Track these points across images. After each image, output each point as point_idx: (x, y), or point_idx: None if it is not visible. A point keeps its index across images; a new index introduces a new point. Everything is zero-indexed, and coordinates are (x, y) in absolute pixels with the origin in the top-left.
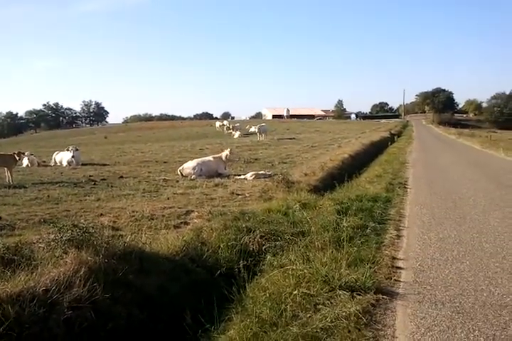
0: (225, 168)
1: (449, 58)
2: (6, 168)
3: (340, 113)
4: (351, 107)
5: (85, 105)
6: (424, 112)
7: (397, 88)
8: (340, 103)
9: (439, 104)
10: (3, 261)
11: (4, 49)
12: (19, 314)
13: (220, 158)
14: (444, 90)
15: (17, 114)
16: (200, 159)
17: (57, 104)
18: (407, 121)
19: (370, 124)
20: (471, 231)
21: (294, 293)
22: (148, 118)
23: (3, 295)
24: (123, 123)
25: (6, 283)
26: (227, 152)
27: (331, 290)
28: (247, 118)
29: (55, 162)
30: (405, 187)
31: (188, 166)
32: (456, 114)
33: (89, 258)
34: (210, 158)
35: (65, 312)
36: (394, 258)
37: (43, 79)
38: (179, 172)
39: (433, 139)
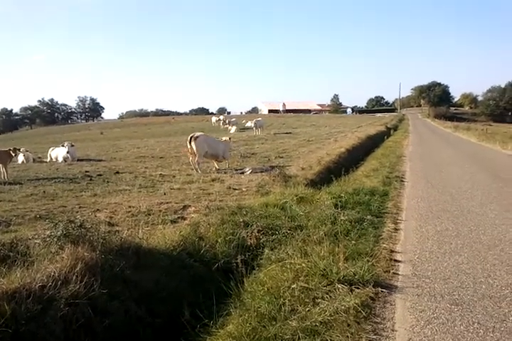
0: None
1: (445, 52)
2: (1, 165)
3: (336, 107)
4: (347, 101)
5: (80, 101)
6: (420, 106)
7: (393, 82)
8: (336, 97)
9: (435, 97)
10: None
11: None
12: (15, 310)
13: (227, 141)
14: (439, 84)
15: (12, 110)
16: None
17: (52, 100)
18: (403, 114)
19: (366, 118)
20: (469, 223)
21: (293, 286)
22: (143, 113)
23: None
24: (118, 119)
25: (1, 279)
26: (226, 138)
27: (330, 283)
28: (243, 113)
29: (51, 158)
30: (402, 181)
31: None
32: (451, 108)
33: (85, 253)
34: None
35: (62, 308)
36: (392, 251)
37: (37, 74)
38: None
39: (429, 133)
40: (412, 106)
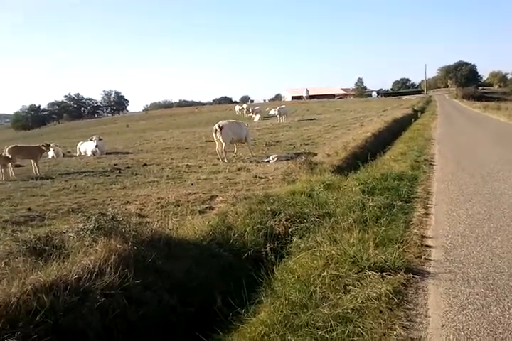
0: None
1: (471, 30)
2: (32, 160)
3: (360, 91)
4: (372, 85)
5: (106, 95)
6: (447, 87)
7: (419, 63)
8: (360, 81)
9: (462, 77)
10: (35, 252)
11: (24, 41)
12: (54, 302)
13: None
14: (466, 63)
15: (40, 106)
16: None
17: (78, 95)
18: (430, 96)
19: (391, 101)
20: (502, 206)
21: (323, 274)
22: (167, 105)
23: (38, 284)
24: (143, 111)
25: (39, 272)
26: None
27: (360, 270)
28: (267, 101)
29: (80, 152)
30: (431, 164)
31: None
32: (480, 87)
33: (118, 245)
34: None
35: (98, 299)
36: (423, 236)
37: (63, 70)
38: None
39: (457, 114)
40: (439, 88)
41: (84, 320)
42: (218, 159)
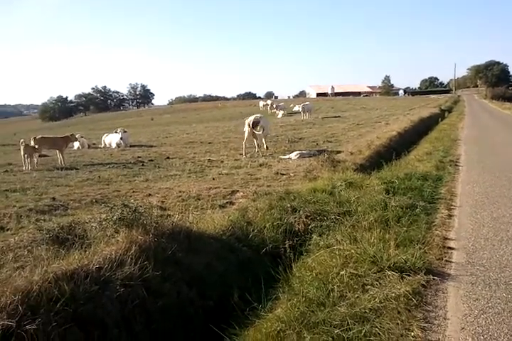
0: None
1: (504, 28)
2: (57, 151)
3: (387, 89)
4: (399, 83)
5: (132, 88)
6: (477, 86)
7: (448, 62)
8: (387, 79)
9: (493, 77)
10: (58, 240)
11: (53, 35)
12: (74, 291)
13: None
14: (498, 63)
15: (67, 97)
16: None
17: (105, 87)
18: (458, 96)
19: (419, 100)
20: None
21: (342, 273)
22: (192, 99)
23: (59, 272)
24: (168, 104)
25: (61, 261)
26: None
27: (380, 270)
28: (291, 97)
29: (105, 144)
30: (457, 165)
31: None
32: (511, 88)
33: (139, 237)
34: None
35: (118, 289)
36: (445, 238)
37: (89, 62)
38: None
39: (486, 115)
40: (468, 87)
41: (103, 310)
42: (240, 154)
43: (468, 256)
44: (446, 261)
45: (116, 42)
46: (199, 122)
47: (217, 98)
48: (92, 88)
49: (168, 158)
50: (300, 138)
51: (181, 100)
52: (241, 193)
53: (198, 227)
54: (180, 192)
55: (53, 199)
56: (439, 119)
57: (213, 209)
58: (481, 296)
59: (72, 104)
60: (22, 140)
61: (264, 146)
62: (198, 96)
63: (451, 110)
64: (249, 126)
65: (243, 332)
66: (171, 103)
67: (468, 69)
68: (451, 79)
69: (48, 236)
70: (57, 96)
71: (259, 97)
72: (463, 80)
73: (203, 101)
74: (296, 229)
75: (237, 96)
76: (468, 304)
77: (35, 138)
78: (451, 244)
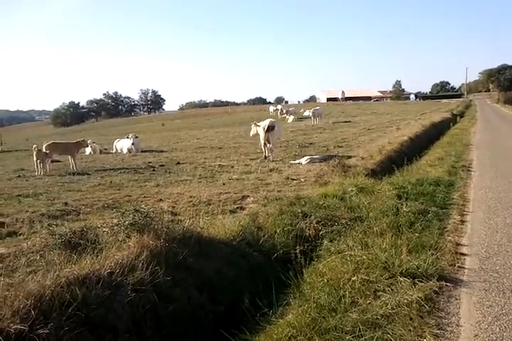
0: None
1: None
2: (69, 156)
3: (398, 94)
4: (410, 87)
5: (143, 93)
6: (489, 91)
7: (459, 66)
8: (398, 83)
9: (505, 81)
10: (70, 245)
11: (65, 41)
12: (86, 296)
13: None
14: (510, 67)
15: (79, 103)
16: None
17: (116, 93)
18: (470, 100)
19: (430, 105)
20: None
21: (353, 279)
22: (202, 104)
23: (72, 277)
24: (179, 110)
25: (73, 265)
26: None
27: (391, 276)
28: (301, 102)
29: (116, 149)
30: (469, 170)
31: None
32: None
33: (150, 242)
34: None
35: (129, 294)
36: (458, 244)
37: (101, 68)
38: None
39: (498, 119)
40: (479, 92)
41: (115, 314)
42: (251, 159)
43: (482, 262)
44: (459, 267)
45: (127, 49)
46: (209, 127)
47: (227, 103)
48: (104, 94)
49: (178, 163)
50: (310, 143)
51: (192, 105)
52: (251, 198)
53: (209, 232)
54: (190, 197)
55: (65, 204)
56: (451, 124)
57: (224, 214)
58: (495, 303)
59: (84, 110)
60: (35, 145)
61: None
62: (208, 101)
63: (462, 115)
64: (264, 130)
65: (254, 338)
66: (181, 108)
67: (480, 73)
68: (462, 84)
69: (60, 241)
70: (69, 102)
71: (270, 102)
72: (475, 84)
73: (213, 107)
74: (307, 234)
75: (248, 101)
76: (481, 311)
77: (46, 143)
78: (464, 250)
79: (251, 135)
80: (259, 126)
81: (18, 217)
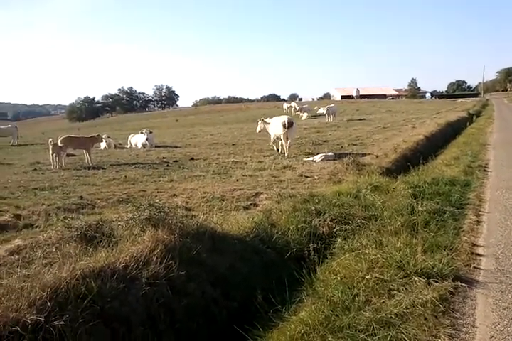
0: None
1: None
2: (84, 150)
3: (413, 92)
4: (426, 86)
5: (157, 89)
6: (506, 90)
7: (476, 65)
8: (413, 81)
9: None
10: (85, 238)
11: (81, 37)
12: (101, 288)
13: None
14: None
15: (94, 98)
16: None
17: (131, 89)
18: (487, 99)
19: (446, 104)
20: None
21: (367, 277)
22: (216, 101)
23: (87, 270)
24: (192, 106)
25: (88, 258)
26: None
27: (406, 276)
28: (315, 100)
29: (131, 144)
30: (485, 170)
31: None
32: None
33: (165, 236)
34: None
35: (143, 287)
36: (473, 244)
37: (116, 63)
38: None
39: None
40: (497, 91)
41: (129, 307)
42: (264, 156)
43: (498, 263)
44: (475, 267)
45: (143, 45)
46: (223, 124)
47: (241, 100)
48: (119, 89)
49: (192, 159)
50: (324, 141)
51: (205, 102)
52: (265, 195)
53: (222, 228)
54: (204, 192)
55: (81, 197)
56: (467, 123)
57: (237, 210)
58: None
59: (99, 105)
60: (50, 139)
61: (285, 148)
62: (222, 98)
63: (479, 114)
64: (284, 126)
65: (267, 334)
66: (195, 104)
67: (497, 72)
68: (479, 83)
69: (75, 233)
70: (85, 97)
71: (283, 99)
72: (492, 84)
73: (227, 103)
74: (321, 232)
75: (261, 98)
76: (497, 312)
77: (61, 137)
78: (480, 250)
79: (257, 131)
80: (267, 122)
81: (34, 209)
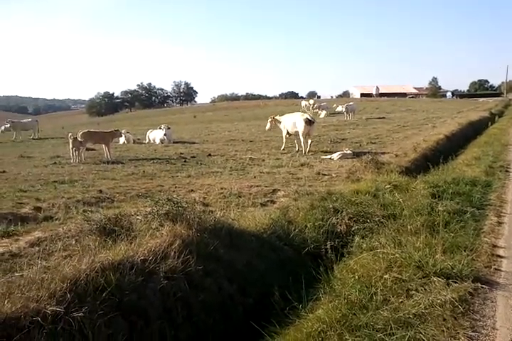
0: None
1: None
2: (104, 145)
3: (434, 91)
4: (447, 85)
5: (176, 85)
6: None
7: (500, 64)
8: (434, 80)
9: None
10: (104, 231)
11: (101, 32)
12: (120, 281)
13: None
14: None
15: (113, 93)
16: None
17: (150, 84)
18: (510, 99)
19: (467, 103)
20: None
21: (385, 277)
22: (234, 97)
23: (106, 262)
24: (210, 102)
25: (108, 251)
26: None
27: (425, 276)
28: (334, 97)
29: (149, 139)
30: (507, 171)
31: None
32: None
33: (183, 231)
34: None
35: (161, 281)
36: (494, 246)
37: (136, 59)
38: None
39: None
40: None
41: (147, 301)
42: (282, 153)
43: None
44: (495, 269)
45: (162, 40)
46: (241, 120)
47: (259, 97)
48: (138, 85)
49: (210, 155)
50: (343, 139)
51: (223, 98)
52: (282, 192)
53: (240, 224)
54: (221, 188)
55: (100, 191)
56: (489, 123)
57: (254, 207)
58: None
59: (118, 100)
60: (70, 133)
61: (302, 145)
62: (240, 94)
63: (501, 114)
64: (306, 123)
65: (283, 331)
66: (213, 101)
67: None
68: (502, 82)
69: (95, 226)
70: (104, 92)
71: (302, 97)
72: None
73: (245, 100)
74: (338, 230)
75: (279, 95)
76: None
77: (81, 132)
78: (501, 252)
79: (266, 129)
80: (279, 121)
81: (54, 202)
